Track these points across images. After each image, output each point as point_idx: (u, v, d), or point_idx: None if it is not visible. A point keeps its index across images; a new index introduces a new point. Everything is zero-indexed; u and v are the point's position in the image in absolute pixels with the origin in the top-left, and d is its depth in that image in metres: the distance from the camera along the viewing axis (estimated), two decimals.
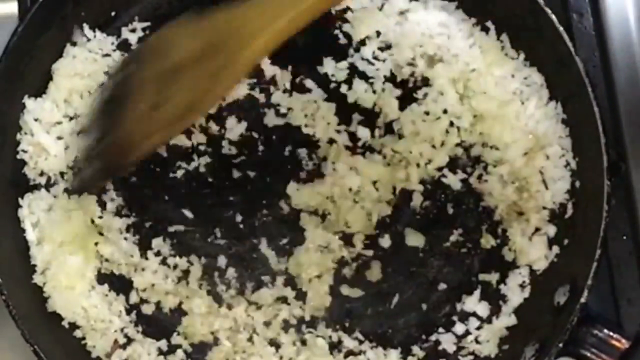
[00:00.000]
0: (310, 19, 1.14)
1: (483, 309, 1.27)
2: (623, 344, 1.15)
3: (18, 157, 1.29)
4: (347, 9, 1.33)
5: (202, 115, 1.30)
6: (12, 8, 1.35)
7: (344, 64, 1.32)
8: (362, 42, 1.32)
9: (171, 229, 1.30)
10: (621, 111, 1.31)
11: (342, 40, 1.33)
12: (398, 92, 1.31)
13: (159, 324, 1.28)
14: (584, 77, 1.20)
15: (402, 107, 1.30)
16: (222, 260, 1.29)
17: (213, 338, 1.27)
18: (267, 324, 1.27)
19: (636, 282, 1.27)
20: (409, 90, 1.31)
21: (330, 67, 1.32)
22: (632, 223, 1.29)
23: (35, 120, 1.28)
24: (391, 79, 1.31)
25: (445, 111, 1.30)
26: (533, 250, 1.25)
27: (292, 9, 1.14)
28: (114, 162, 1.23)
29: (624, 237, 1.28)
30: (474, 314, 1.27)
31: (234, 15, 1.17)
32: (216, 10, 1.19)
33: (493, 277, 1.27)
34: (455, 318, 1.28)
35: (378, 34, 1.32)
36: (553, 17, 1.22)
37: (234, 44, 1.16)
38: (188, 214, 1.30)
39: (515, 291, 1.26)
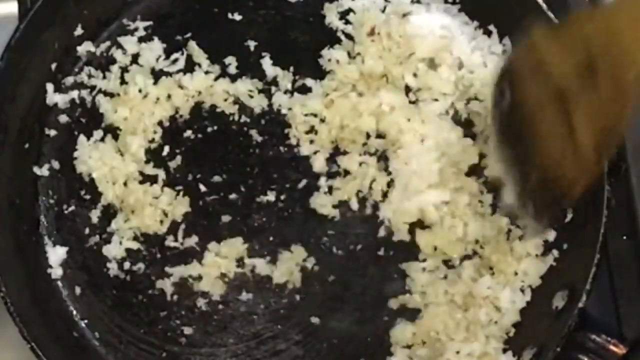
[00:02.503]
0: None
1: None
2: (621, 349, 1.15)
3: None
4: (349, 10, 1.33)
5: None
6: (12, 8, 1.35)
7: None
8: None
9: None
10: None
11: (344, 41, 1.33)
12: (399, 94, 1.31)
13: None
14: None
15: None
16: None
17: None
18: None
19: (636, 282, 1.27)
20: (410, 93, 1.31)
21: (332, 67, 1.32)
22: (632, 223, 1.28)
23: None
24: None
25: (446, 113, 1.30)
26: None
27: None
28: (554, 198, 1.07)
29: (624, 237, 1.28)
30: None
31: (609, 23, 0.96)
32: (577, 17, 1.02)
33: None
34: None
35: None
36: (556, 21, 1.22)
37: (615, 64, 0.94)
38: None
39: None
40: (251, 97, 1.32)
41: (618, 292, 1.26)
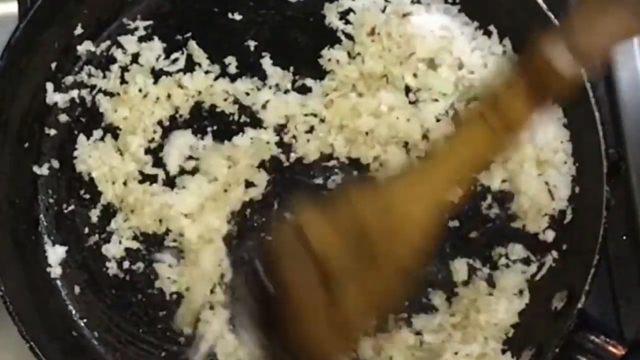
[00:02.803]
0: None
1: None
2: (620, 350, 1.15)
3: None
4: (350, 10, 1.33)
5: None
6: (12, 8, 1.35)
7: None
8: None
9: None
10: (621, 111, 1.31)
11: (344, 41, 1.33)
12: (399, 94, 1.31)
13: None
14: (585, 82, 1.20)
15: None
16: None
17: None
18: None
19: (636, 282, 1.27)
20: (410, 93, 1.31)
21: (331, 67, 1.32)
22: (632, 223, 1.29)
23: None
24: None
25: (446, 114, 1.30)
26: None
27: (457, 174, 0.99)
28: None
29: (624, 237, 1.28)
30: None
31: (378, 198, 0.99)
32: (344, 191, 1.02)
33: None
34: None
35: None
36: (556, 21, 1.22)
37: (395, 237, 0.97)
38: None
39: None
40: (248, 95, 1.32)
41: (618, 292, 1.27)
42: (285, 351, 1.01)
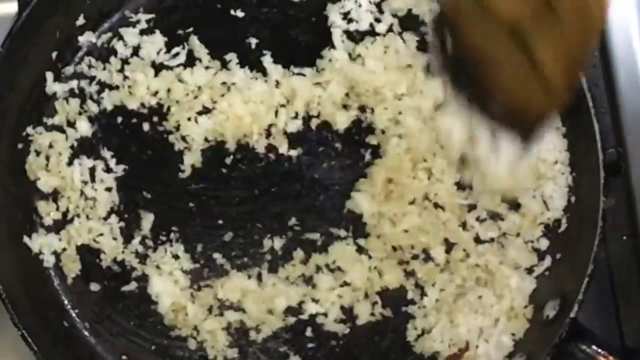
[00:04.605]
0: None
1: None
2: None
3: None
4: (352, 11, 1.34)
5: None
6: (12, 8, 1.33)
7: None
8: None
9: None
10: (621, 111, 1.31)
11: (345, 40, 1.33)
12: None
13: None
14: (585, 91, 1.20)
15: None
16: None
17: None
18: None
19: (636, 282, 1.27)
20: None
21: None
22: (632, 223, 1.29)
23: None
24: None
25: None
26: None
27: None
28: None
29: (624, 237, 1.28)
30: None
31: None
32: None
33: None
34: None
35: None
36: None
37: None
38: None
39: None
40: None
41: (618, 293, 1.27)
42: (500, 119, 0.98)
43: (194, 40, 1.33)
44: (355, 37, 1.33)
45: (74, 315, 1.28)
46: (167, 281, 1.26)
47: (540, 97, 0.97)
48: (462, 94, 1.01)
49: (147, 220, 1.29)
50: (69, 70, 1.33)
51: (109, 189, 1.30)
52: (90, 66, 1.33)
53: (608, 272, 1.27)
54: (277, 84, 1.31)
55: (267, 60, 1.33)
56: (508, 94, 0.97)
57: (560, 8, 0.93)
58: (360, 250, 1.27)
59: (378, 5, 1.34)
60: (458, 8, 0.99)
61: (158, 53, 1.33)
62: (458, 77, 1.00)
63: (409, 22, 1.32)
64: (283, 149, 1.30)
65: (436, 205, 1.26)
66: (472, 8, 0.96)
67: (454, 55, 0.99)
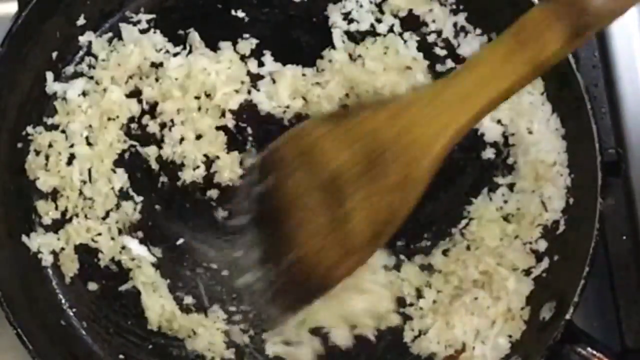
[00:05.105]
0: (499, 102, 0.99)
1: None
2: None
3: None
4: (352, 11, 1.34)
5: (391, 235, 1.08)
6: (12, 8, 1.34)
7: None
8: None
9: None
10: (621, 111, 1.31)
11: (345, 41, 1.33)
12: None
13: None
14: (583, 94, 1.19)
15: None
16: None
17: None
18: None
19: (636, 282, 1.27)
20: None
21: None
22: (632, 223, 1.28)
23: None
24: None
25: None
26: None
27: (475, 99, 0.97)
28: (304, 287, 1.04)
29: (624, 237, 1.28)
30: None
31: (392, 116, 0.99)
32: (355, 108, 1.06)
33: None
34: None
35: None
36: None
37: (407, 153, 0.97)
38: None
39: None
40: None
41: (618, 293, 1.26)
42: (291, 274, 1.02)
43: (195, 40, 1.33)
44: (356, 37, 1.33)
45: (71, 314, 1.29)
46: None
47: (336, 252, 1.00)
48: (261, 235, 1.04)
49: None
50: (69, 70, 1.33)
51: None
52: (90, 66, 1.33)
53: (608, 272, 1.27)
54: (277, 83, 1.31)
55: (267, 60, 1.33)
56: (307, 240, 1.00)
57: (390, 164, 0.97)
58: None
59: (379, 6, 1.34)
60: (288, 148, 1.04)
61: (158, 53, 1.33)
62: (264, 216, 1.04)
63: (409, 22, 1.33)
64: None
65: None
66: (299, 150, 1.02)
67: (269, 193, 1.03)
